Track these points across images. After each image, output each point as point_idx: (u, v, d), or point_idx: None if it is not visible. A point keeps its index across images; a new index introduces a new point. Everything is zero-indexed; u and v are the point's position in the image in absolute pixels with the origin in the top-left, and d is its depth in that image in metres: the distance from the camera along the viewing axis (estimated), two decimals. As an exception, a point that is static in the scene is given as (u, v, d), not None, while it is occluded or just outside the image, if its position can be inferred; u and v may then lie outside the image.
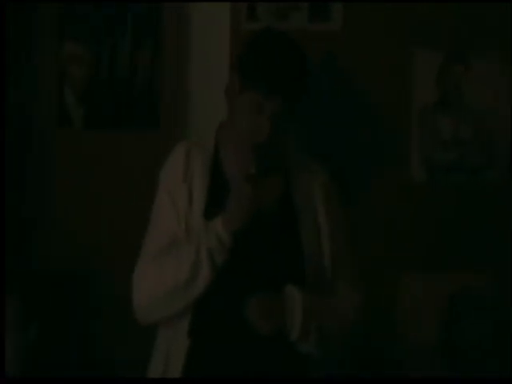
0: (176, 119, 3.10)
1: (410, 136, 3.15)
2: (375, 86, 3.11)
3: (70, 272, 3.08)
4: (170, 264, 2.20)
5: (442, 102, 3.16)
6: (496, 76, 3.15)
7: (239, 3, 3.07)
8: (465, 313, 3.17)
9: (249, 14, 3.06)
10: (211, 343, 2.21)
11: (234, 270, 2.20)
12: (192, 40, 3.11)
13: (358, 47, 3.10)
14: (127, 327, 2.96)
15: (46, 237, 3.11)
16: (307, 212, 2.31)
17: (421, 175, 3.16)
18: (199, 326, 2.21)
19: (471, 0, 3.11)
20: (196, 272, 2.17)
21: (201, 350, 2.21)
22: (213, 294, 2.19)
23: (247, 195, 2.16)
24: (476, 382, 2.98)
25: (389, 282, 3.11)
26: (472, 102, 3.16)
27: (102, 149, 3.11)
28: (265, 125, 2.18)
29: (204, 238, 2.17)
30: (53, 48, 3.09)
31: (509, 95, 3.16)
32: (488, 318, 3.15)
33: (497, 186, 3.17)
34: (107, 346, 3.09)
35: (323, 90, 3.02)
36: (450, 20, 3.12)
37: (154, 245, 2.25)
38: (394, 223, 3.13)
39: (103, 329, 3.10)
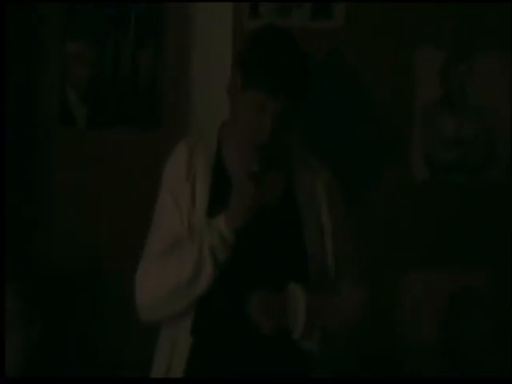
0: (178, 119, 3.10)
1: (412, 134, 3.15)
2: (377, 84, 3.12)
3: (70, 272, 3.08)
4: (172, 263, 2.20)
5: (445, 101, 3.16)
6: (498, 75, 3.15)
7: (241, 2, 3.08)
8: (465, 313, 3.17)
9: (251, 12, 3.06)
10: (214, 341, 2.21)
11: (237, 267, 2.20)
12: (194, 40, 3.11)
13: (360, 45, 3.10)
14: (128, 327, 2.96)
15: (46, 237, 3.11)
16: (310, 210, 2.31)
17: (422, 174, 3.16)
18: (202, 325, 2.21)
19: (473, 0, 3.11)
20: (199, 270, 2.17)
21: (203, 349, 2.21)
22: (215, 293, 2.19)
23: (250, 193, 2.16)
24: (476, 381, 2.98)
25: (389, 282, 3.11)
26: (474, 102, 3.17)
27: (104, 148, 3.11)
28: (267, 123, 2.18)
29: (206, 236, 2.17)
30: (55, 47, 3.09)
31: (510, 95, 3.16)
32: (488, 318, 3.15)
33: (498, 186, 3.17)
34: (108, 346, 3.09)
35: (325, 87, 3.02)
36: (452, 18, 3.12)
37: (156, 244, 2.25)
38: (394, 222, 3.13)
39: (104, 329, 3.10)
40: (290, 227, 2.27)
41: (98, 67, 3.10)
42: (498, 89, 3.16)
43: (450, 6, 3.11)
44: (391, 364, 3.13)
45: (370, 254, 2.94)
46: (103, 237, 3.11)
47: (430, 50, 3.14)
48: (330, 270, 2.30)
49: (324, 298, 2.25)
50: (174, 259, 2.20)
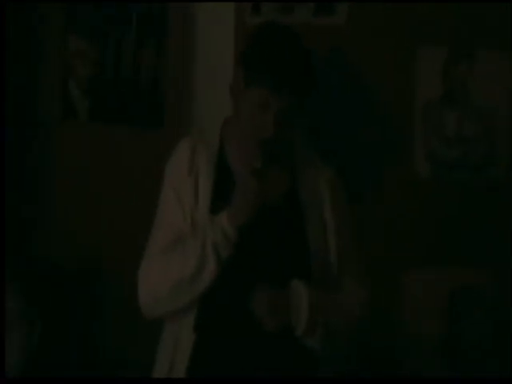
0: (180, 119, 3.10)
1: (413, 134, 3.15)
2: (378, 83, 3.12)
3: (70, 272, 3.08)
4: (175, 259, 2.20)
5: (445, 100, 3.16)
6: (498, 75, 3.15)
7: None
8: (465, 313, 3.17)
9: (253, 11, 3.06)
10: (217, 338, 2.22)
11: (240, 264, 2.20)
12: (196, 39, 3.11)
13: (361, 43, 3.10)
14: (128, 327, 2.97)
15: (46, 237, 3.11)
16: (313, 207, 2.31)
17: (424, 172, 3.16)
18: (205, 321, 2.21)
19: (474, 0, 3.11)
20: (202, 266, 2.17)
21: (206, 345, 2.22)
22: (218, 289, 2.19)
23: (252, 190, 2.16)
24: (476, 381, 2.98)
25: (389, 282, 3.11)
26: (475, 101, 3.17)
27: (105, 148, 3.11)
28: (270, 120, 2.18)
29: (209, 233, 2.18)
30: (55, 47, 3.10)
31: (511, 94, 3.16)
32: (488, 318, 3.15)
33: (498, 185, 3.17)
34: (108, 345, 3.09)
35: (326, 85, 3.01)
36: (453, 18, 3.12)
37: (159, 241, 2.25)
38: (395, 221, 3.13)
39: (104, 329, 3.10)
40: (293, 224, 2.28)
41: (99, 67, 3.10)
42: (499, 88, 3.16)
43: (451, 6, 3.11)
44: (391, 364, 3.12)
45: (370, 253, 2.94)
46: (103, 237, 3.11)
47: (431, 50, 3.14)
48: (333, 267, 2.31)
49: (327, 294, 2.25)
50: (177, 255, 2.20)
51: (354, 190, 2.52)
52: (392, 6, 3.09)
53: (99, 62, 3.10)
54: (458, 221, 3.15)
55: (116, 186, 3.11)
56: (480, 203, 3.16)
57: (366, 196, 3.12)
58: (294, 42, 2.21)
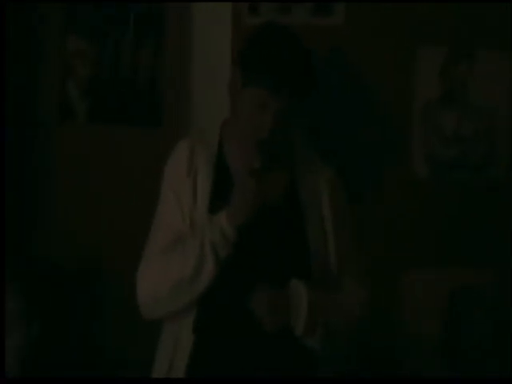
0: (178, 118, 3.10)
1: (412, 133, 3.15)
2: (377, 83, 3.11)
3: (70, 272, 3.08)
4: (175, 259, 2.20)
5: (445, 100, 3.16)
6: (498, 75, 3.15)
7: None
8: (465, 313, 3.17)
9: (250, 11, 3.06)
10: (216, 338, 2.22)
11: (239, 264, 2.20)
12: (194, 39, 3.11)
13: (361, 42, 3.10)
14: (128, 327, 2.97)
15: (46, 237, 3.11)
16: (313, 207, 2.31)
17: (424, 172, 3.16)
18: (204, 322, 2.21)
19: (474, 0, 3.11)
20: (200, 266, 2.17)
21: (206, 346, 2.22)
22: (218, 289, 2.19)
23: (251, 190, 2.16)
24: (476, 382, 2.98)
25: (389, 282, 3.11)
26: (474, 101, 3.17)
27: (104, 148, 3.11)
28: (268, 120, 2.18)
29: (208, 233, 2.18)
30: (55, 47, 3.10)
31: (510, 94, 3.16)
32: (488, 318, 3.15)
33: (500, 184, 3.17)
34: (108, 345, 3.09)
35: (326, 85, 3.01)
36: (453, 17, 3.12)
37: (159, 241, 2.25)
38: (395, 221, 3.13)
39: (104, 329, 3.10)
40: (293, 224, 2.28)
41: (98, 67, 3.10)
42: (498, 88, 3.16)
43: (451, 6, 3.11)
44: (391, 364, 3.12)
45: (370, 253, 2.94)
46: (103, 237, 3.11)
47: (431, 50, 3.14)
48: (333, 267, 2.31)
49: (327, 294, 2.25)
50: (177, 255, 2.20)
51: (353, 190, 2.52)
52: (392, 6, 3.09)
53: (98, 62, 3.10)
54: (458, 221, 3.15)
55: (116, 186, 3.11)
56: (480, 203, 3.16)
57: (366, 196, 3.12)
58: (293, 42, 2.21)
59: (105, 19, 3.09)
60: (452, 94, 3.17)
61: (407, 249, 3.14)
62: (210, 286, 2.19)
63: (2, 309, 2.68)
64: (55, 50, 3.10)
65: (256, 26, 2.28)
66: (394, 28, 3.12)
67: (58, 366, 3.00)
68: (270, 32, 2.24)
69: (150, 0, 3.08)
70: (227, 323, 2.21)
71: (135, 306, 2.28)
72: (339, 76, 3.10)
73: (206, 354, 2.22)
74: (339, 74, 3.10)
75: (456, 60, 3.16)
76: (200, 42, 3.11)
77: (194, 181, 2.27)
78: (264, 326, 2.16)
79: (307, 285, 2.20)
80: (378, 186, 3.14)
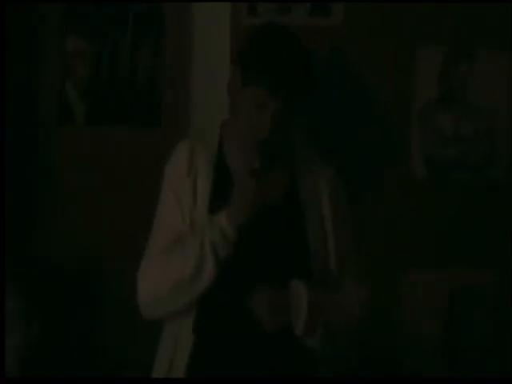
0: (177, 119, 3.10)
1: (412, 133, 3.15)
2: (376, 83, 3.11)
3: (70, 272, 3.08)
4: (175, 259, 2.20)
5: (444, 100, 3.16)
6: (498, 75, 3.15)
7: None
8: (465, 313, 3.17)
9: (249, 11, 3.06)
10: (216, 338, 2.22)
11: (239, 264, 2.20)
12: (193, 39, 3.11)
13: (360, 42, 3.09)
14: (128, 327, 2.97)
15: (46, 237, 3.11)
16: (313, 207, 2.31)
17: (424, 172, 3.16)
18: (204, 322, 2.22)
19: (474, 0, 3.11)
20: (200, 266, 2.17)
21: (206, 346, 2.22)
22: (218, 289, 2.19)
23: (251, 190, 2.17)
24: (476, 381, 2.98)
25: (389, 282, 3.11)
26: (474, 101, 3.17)
27: (104, 148, 3.11)
28: (266, 120, 2.18)
29: (208, 233, 2.18)
30: (55, 47, 3.09)
31: (510, 94, 3.16)
32: (488, 318, 3.15)
33: (500, 184, 3.17)
34: (108, 345, 3.09)
35: (326, 85, 3.01)
36: (453, 17, 3.12)
37: (159, 241, 2.26)
38: (395, 221, 3.13)
39: (104, 329, 3.10)
40: (293, 224, 2.28)
41: (97, 67, 3.10)
42: (498, 88, 3.16)
43: (451, 6, 3.11)
44: (391, 364, 3.12)
45: (370, 253, 2.94)
46: (103, 237, 3.10)
47: (431, 50, 3.14)
48: (333, 267, 2.31)
49: (327, 294, 2.25)
50: (177, 255, 2.20)
51: (353, 190, 2.52)
52: (391, 6, 3.09)
53: (98, 62, 3.09)
54: (458, 221, 3.15)
55: (115, 186, 3.11)
56: (480, 203, 3.16)
57: (366, 196, 3.11)
58: (292, 43, 2.21)
59: (104, 19, 3.09)
60: (452, 94, 3.17)
61: (407, 249, 3.14)
62: (210, 286, 2.19)
63: (2, 309, 2.68)
64: (55, 49, 3.10)
65: (255, 26, 2.28)
66: (393, 28, 3.12)
67: (57, 365, 3.00)
68: (270, 32, 2.24)
69: (149, 0, 3.08)
70: (227, 323, 2.21)
71: (135, 306, 2.28)
72: (339, 76, 3.10)
73: (206, 354, 2.22)
74: (339, 74, 3.10)
75: (456, 60, 3.16)
76: (200, 42, 3.11)
77: (194, 181, 2.28)
78: (264, 326, 2.16)
79: (307, 285, 2.20)
80: (377, 186, 3.14)
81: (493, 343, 3.14)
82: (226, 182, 2.25)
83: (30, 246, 3.09)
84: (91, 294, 3.10)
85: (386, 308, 3.08)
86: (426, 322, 3.16)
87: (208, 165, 2.28)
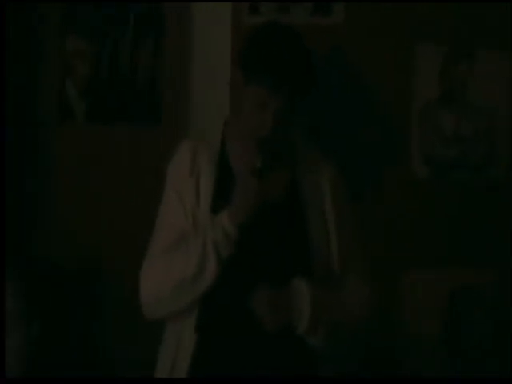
0: (177, 118, 3.10)
1: (412, 133, 3.15)
2: (376, 83, 3.11)
3: (70, 272, 3.08)
4: (178, 259, 2.20)
5: (446, 99, 3.16)
6: (498, 75, 3.15)
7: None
8: (465, 313, 3.17)
9: (250, 9, 3.06)
10: (218, 338, 2.22)
11: (241, 263, 2.20)
12: (193, 39, 3.11)
13: (360, 42, 3.10)
14: (128, 327, 2.97)
15: (46, 237, 3.11)
16: (314, 205, 2.31)
17: (424, 172, 3.16)
18: (206, 321, 2.22)
19: (474, 0, 3.11)
20: (203, 265, 2.17)
21: (208, 345, 2.22)
22: (219, 289, 2.20)
23: (253, 188, 2.17)
24: (476, 381, 2.98)
25: (389, 282, 3.11)
26: (474, 101, 3.17)
27: (104, 148, 3.11)
28: (268, 120, 2.18)
29: (210, 232, 2.18)
30: (55, 47, 3.09)
31: (510, 94, 3.16)
32: (488, 318, 3.15)
33: (500, 184, 3.17)
34: (108, 345, 3.09)
35: (326, 84, 3.01)
36: (453, 17, 3.12)
37: (162, 241, 2.26)
38: (395, 221, 3.13)
39: (104, 329, 3.10)
40: (295, 223, 2.28)
41: (97, 67, 3.10)
42: (498, 88, 3.16)
43: (451, 6, 3.11)
44: (391, 364, 3.12)
45: (370, 253, 2.94)
46: (103, 237, 3.10)
47: (431, 49, 3.14)
48: (335, 265, 2.31)
49: (329, 293, 2.25)
50: (180, 255, 2.21)
51: (353, 190, 2.51)
52: (391, 6, 3.09)
53: (98, 61, 3.09)
54: (458, 221, 3.15)
55: (115, 186, 3.11)
56: (480, 203, 3.16)
57: (366, 196, 3.11)
58: (293, 42, 2.21)
59: (104, 19, 3.09)
60: (452, 93, 3.17)
61: (407, 249, 3.14)
62: (212, 285, 2.19)
63: (2, 309, 2.68)
64: (55, 49, 3.10)
65: (256, 25, 2.28)
66: (393, 28, 3.12)
67: (58, 365, 3.00)
68: (271, 31, 2.24)
69: (149, 0, 3.08)
70: (229, 322, 2.22)
71: (135, 306, 2.28)
72: (339, 75, 3.10)
73: (209, 353, 2.22)
74: (339, 73, 3.10)
75: (456, 60, 3.16)
76: (200, 42, 3.11)
77: (196, 180, 2.28)
78: (264, 325, 2.16)
79: (309, 283, 2.20)
80: (377, 186, 3.14)
81: (493, 343, 3.14)
82: (228, 181, 2.25)
83: (30, 246, 3.09)
84: (91, 294, 3.10)
85: (386, 308, 3.08)
86: (426, 322, 3.16)
87: (210, 164, 2.29)
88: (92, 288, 3.10)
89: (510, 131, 3.17)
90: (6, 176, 2.96)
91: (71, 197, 3.12)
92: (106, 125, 3.12)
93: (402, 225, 3.15)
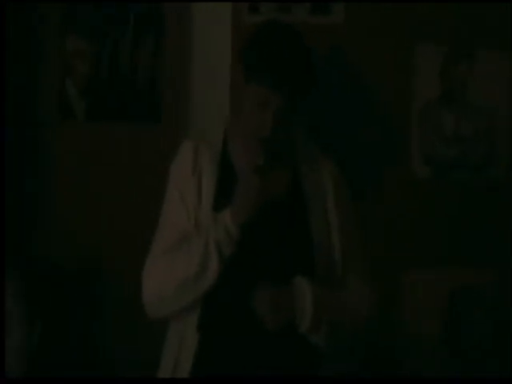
0: (177, 118, 3.10)
1: (412, 133, 3.15)
2: (378, 82, 3.11)
3: (70, 272, 3.08)
4: (180, 258, 2.21)
5: (446, 99, 3.16)
6: (498, 75, 3.15)
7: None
8: (465, 313, 3.17)
9: (250, 9, 3.06)
10: (220, 337, 2.22)
11: (243, 262, 2.21)
12: (193, 39, 3.11)
13: (360, 41, 3.10)
14: (128, 327, 2.97)
15: (46, 237, 3.11)
16: (316, 204, 2.31)
17: (424, 172, 3.16)
18: (208, 321, 2.22)
19: (474, 0, 3.11)
20: (205, 264, 2.18)
21: (211, 344, 2.22)
22: (221, 288, 2.20)
23: (255, 187, 2.17)
24: (476, 381, 2.98)
25: (389, 282, 3.11)
26: (474, 101, 3.17)
27: (104, 147, 3.11)
28: (269, 119, 2.19)
29: (212, 231, 2.18)
30: (55, 47, 3.10)
31: (510, 94, 3.16)
32: (488, 318, 3.15)
33: (500, 184, 3.17)
34: (108, 346, 3.09)
35: (326, 84, 3.01)
36: (453, 17, 3.12)
37: (164, 240, 2.26)
38: (395, 221, 3.13)
39: (104, 329, 3.10)
40: (297, 222, 2.28)
41: (97, 67, 3.10)
42: (498, 88, 3.16)
43: (451, 6, 3.11)
44: (391, 364, 3.12)
45: (370, 253, 2.94)
46: (103, 237, 3.10)
47: (431, 49, 3.14)
48: (337, 265, 2.31)
49: (331, 292, 2.25)
50: (182, 254, 2.21)
51: (353, 190, 2.52)
52: (391, 6, 3.09)
53: (98, 61, 3.10)
54: (458, 221, 3.15)
55: (115, 185, 3.11)
56: (480, 203, 3.16)
57: (366, 196, 3.11)
58: (293, 41, 2.21)
59: (104, 19, 3.09)
60: (452, 93, 3.17)
61: (407, 249, 3.14)
62: (215, 284, 2.19)
63: (2, 309, 2.68)
64: (55, 49, 3.10)
65: (257, 24, 2.29)
66: (393, 27, 3.12)
67: (58, 365, 3.00)
68: (271, 30, 2.24)
69: (149, 0, 3.08)
70: (230, 321, 2.22)
71: (135, 305, 2.28)
72: (339, 75, 3.10)
73: (211, 352, 2.23)
74: (339, 72, 3.10)
75: (456, 60, 3.16)
76: (200, 42, 3.11)
77: (198, 180, 2.28)
78: (266, 324, 2.16)
79: (311, 281, 2.20)
80: (378, 186, 3.14)
81: (493, 343, 3.14)
82: (230, 180, 2.25)
83: (30, 246, 3.09)
84: (91, 294, 3.10)
85: (386, 308, 3.08)
86: (426, 321, 3.16)
87: (212, 164, 2.29)
88: (92, 288, 3.10)
89: (510, 131, 3.17)
90: (6, 176, 2.96)
91: (71, 197, 3.12)
92: (106, 124, 3.12)
93: (402, 225, 3.15)
